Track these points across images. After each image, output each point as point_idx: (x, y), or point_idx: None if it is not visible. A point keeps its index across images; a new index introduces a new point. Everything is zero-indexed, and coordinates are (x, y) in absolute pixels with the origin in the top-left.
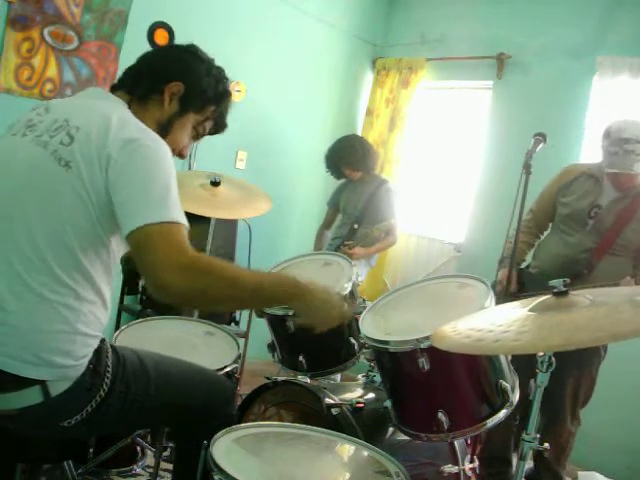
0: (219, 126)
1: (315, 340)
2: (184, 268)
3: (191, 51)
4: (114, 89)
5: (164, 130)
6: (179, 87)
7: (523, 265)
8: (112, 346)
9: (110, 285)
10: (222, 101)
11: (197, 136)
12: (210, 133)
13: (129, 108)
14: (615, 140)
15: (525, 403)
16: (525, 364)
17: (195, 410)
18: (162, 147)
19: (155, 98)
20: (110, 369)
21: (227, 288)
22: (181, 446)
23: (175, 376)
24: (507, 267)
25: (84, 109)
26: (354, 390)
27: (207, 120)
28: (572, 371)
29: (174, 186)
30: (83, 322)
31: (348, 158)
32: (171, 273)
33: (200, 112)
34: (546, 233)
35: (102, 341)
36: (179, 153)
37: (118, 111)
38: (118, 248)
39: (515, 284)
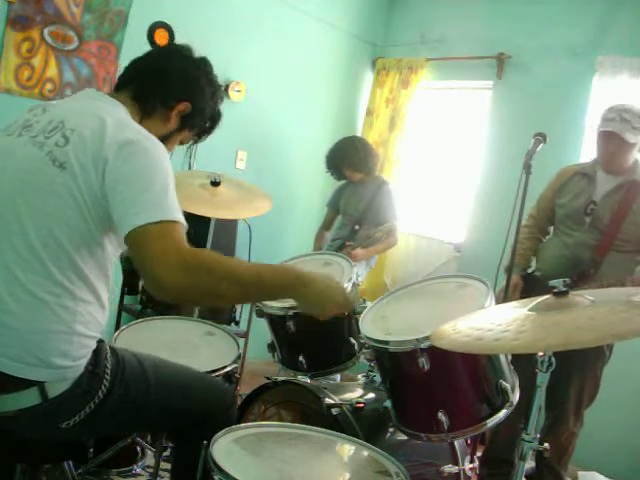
0: (203, 135)
1: (315, 340)
2: (181, 265)
3: (205, 70)
4: (119, 87)
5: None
6: (186, 107)
7: (529, 270)
8: (112, 348)
9: (107, 285)
10: (216, 121)
11: (180, 144)
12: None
13: (134, 120)
14: (615, 109)
15: (530, 405)
16: (525, 364)
17: (194, 415)
18: (159, 148)
19: (160, 112)
20: (109, 371)
21: (225, 283)
22: (179, 449)
23: (175, 381)
24: (505, 279)
25: (80, 111)
26: (354, 390)
27: (195, 135)
28: (576, 372)
29: (172, 186)
30: (80, 322)
31: (349, 159)
32: (168, 271)
33: (194, 129)
34: (548, 236)
35: (101, 342)
36: None
37: (114, 113)
38: (113, 247)
39: (515, 293)
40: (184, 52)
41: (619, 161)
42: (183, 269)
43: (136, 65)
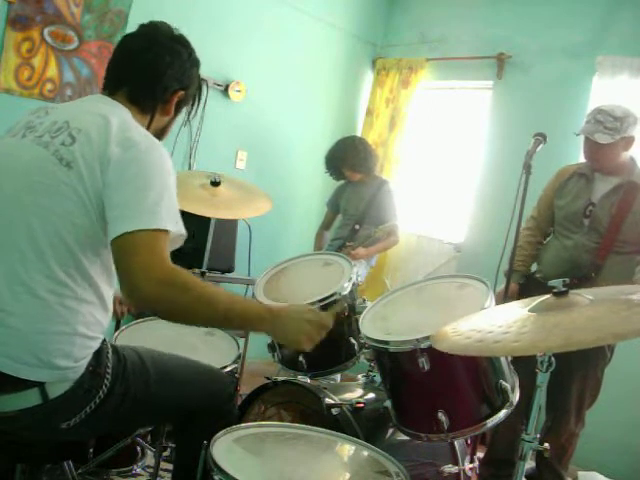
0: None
1: None
2: (162, 280)
3: (187, 51)
4: (112, 89)
5: (162, 134)
6: (182, 95)
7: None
8: (113, 346)
9: (111, 286)
10: (200, 85)
11: None
12: None
13: (136, 119)
14: (593, 111)
15: (531, 405)
16: (526, 364)
17: (196, 407)
18: (162, 152)
19: (159, 108)
20: (110, 370)
21: (199, 305)
22: (182, 445)
23: (175, 374)
24: (504, 283)
25: (84, 112)
26: (354, 390)
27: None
28: (578, 372)
29: (170, 192)
30: (82, 323)
31: (349, 160)
32: (149, 283)
33: (187, 106)
34: (548, 238)
35: (103, 341)
36: None
37: (119, 115)
38: None
39: (512, 298)
40: (164, 41)
41: (601, 161)
42: (163, 284)
43: (123, 65)
